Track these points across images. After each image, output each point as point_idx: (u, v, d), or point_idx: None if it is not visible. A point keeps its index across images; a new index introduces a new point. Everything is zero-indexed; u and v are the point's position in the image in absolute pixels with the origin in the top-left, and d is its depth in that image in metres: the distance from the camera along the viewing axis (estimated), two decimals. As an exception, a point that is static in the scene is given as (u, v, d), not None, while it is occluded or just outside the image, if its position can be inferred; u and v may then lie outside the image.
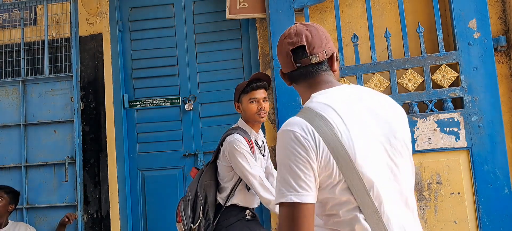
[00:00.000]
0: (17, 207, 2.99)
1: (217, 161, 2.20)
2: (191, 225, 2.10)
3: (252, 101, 2.15)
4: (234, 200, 2.14)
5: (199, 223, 2.09)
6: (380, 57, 2.79)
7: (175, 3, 3.29)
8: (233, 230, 2.10)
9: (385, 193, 1.01)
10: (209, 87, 3.22)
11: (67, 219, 2.89)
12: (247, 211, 2.18)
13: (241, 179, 2.11)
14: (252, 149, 2.11)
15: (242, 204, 2.15)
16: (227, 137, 2.12)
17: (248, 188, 2.13)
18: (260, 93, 2.17)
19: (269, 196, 2.01)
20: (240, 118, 2.26)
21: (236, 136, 2.09)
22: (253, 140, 2.18)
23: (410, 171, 1.10)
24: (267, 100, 2.21)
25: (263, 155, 2.28)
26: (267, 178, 2.26)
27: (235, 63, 3.20)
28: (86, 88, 3.22)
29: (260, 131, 2.30)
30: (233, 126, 2.24)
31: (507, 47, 2.70)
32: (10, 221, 2.87)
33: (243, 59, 3.19)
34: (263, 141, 2.34)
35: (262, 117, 2.17)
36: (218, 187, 2.19)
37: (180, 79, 3.25)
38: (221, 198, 2.16)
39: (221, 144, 2.16)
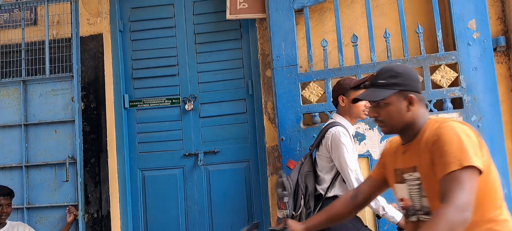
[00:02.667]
0: (17, 207, 2.99)
1: (316, 152, 2.24)
2: (293, 212, 2.14)
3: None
4: (336, 191, 2.15)
5: (301, 211, 2.13)
6: (379, 58, 2.80)
7: (175, 3, 3.30)
8: None
9: None
10: (209, 87, 3.23)
11: (68, 212, 2.92)
12: None
13: None
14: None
15: None
16: (331, 129, 2.15)
17: None
18: None
19: None
20: (335, 113, 2.27)
21: (340, 128, 2.12)
22: (351, 134, 2.21)
23: None
24: None
25: None
26: None
27: (235, 63, 3.20)
28: (87, 88, 3.23)
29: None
30: (331, 120, 2.26)
31: (507, 47, 2.71)
32: (8, 222, 2.85)
33: (243, 59, 3.20)
34: (353, 135, 2.35)
35: (366, 114, 2.22)
36: (316, 178, 2.24)
37: (180, 79, 3.26)
38: (321, 189, 2.18)
39: (323, 136, 2.18)
